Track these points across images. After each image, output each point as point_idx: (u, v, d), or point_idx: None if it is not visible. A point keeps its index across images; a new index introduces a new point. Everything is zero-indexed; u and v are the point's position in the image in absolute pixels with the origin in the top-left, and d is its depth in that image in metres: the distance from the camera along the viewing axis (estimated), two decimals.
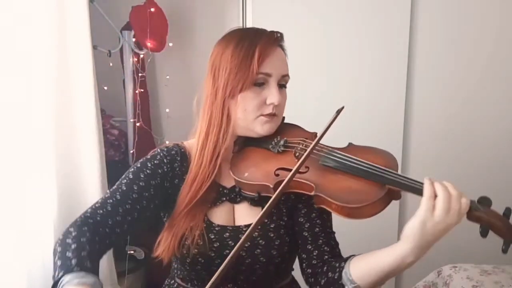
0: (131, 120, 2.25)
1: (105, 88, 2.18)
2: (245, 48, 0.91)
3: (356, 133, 1.99)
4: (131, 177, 0.95)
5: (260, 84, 0.92)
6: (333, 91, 1.95)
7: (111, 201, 0.91)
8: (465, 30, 1.97)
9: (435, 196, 0.75)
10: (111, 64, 2.25)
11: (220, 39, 0.97)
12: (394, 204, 2.04)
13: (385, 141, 2.05)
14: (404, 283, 2.12)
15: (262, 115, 0.93)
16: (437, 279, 1.60)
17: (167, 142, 1.05)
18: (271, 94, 0.92)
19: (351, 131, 2.02)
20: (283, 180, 0.84)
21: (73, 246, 0.80)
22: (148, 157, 0.99)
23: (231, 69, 0.91)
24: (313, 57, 1.95)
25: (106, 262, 1.83)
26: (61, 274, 0.75)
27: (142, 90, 2.27)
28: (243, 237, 0.76)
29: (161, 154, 0.99)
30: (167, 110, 2.45)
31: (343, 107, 0.94)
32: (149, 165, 0.97)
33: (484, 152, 2.04)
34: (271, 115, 0.94)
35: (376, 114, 1.98)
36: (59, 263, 0.78)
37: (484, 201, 0.80)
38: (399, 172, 0.85)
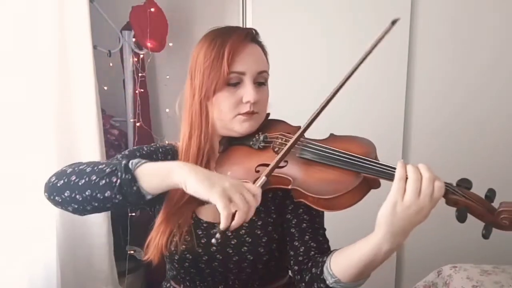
0: (131, 120, 2.26)
1: (105, 88, 2.18)
2: (216, 48, 0.91)
3: (356, 132, 1.99)
4: (127, 153, 0.97)
5: (234, 84, 0.92)
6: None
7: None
8: (465, 30, 1.97)
9: (406, 178, 0.73)
10: (111, 64, 2.25)
11: (198, 41, 0.97)
12: None
13: (385, 140, 2.05)
14: (404, 283, 2.12)
15: (239, 114, 0.93)
16: (437, 279, 1.60)
17: (166, 142, 1.06)
18: (246, 92, 0.92)
19: (350, 130, 2.02)
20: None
21: (96, 161, 0.84)
22: (144, 145, 1.02)
23: (204, 70, 0.92)
24: (313, 56, 1.95)
25: (107, 262, 1.84)
26: (123, 162, 0.78)
27: (142, 90, 2.27)
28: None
29: (157, 145, 1.03)
30: (167, 110, 2.45)
31: (399, 18, 0.89)
32: (145, 149, 1.00)
33: (484, 151, 2.04)
34: (249, 113, 0.93)
35: (376, 114, 1.99)
36: (101, 166, 0.80)
37: (463, 184, 0.77)
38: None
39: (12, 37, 1.45)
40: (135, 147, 1.00)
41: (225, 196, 0.71)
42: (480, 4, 1.95)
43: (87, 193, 0.78)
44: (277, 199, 0.98)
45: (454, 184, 0.77)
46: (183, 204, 0.93)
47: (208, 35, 0.96)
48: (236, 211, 0.72)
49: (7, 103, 1.45)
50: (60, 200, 0.82)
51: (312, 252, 0.91)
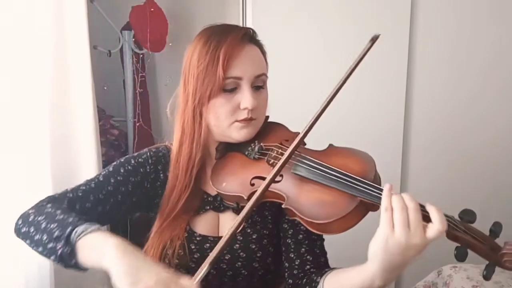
0: (131, 120, 2.26)
1: (105, 88, 2.18)
2: (211, 51, 0.85)
3: (356, 133, 1.99)
4: (111, 170, 0.93)
5: (231, 89, 0.86)
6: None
7: (84, 188, 0.89)
8: (465, 30, 1.97)
9: (392, 208, 0.67)
10: (111, 64, 2.25)
11: (193, 39, 0.93)
12: None
13: (385, 141, 2.06)
14: (404, 283, 2.12)
15: (237, 120, 0.87)
16: (437, 279, 1.60)
17: (166, 142, 1.04)
18: (244, 98, 0.86)
19: (350, 131, 2.03)
20: (256, 191, 0.79)
21: (58, 211, 0.79)
22: (135, 154, 0.98)
23: (198, 75, 0.86)
24: (313, 56, 1.95)
25: None
26: (69, 228, 0.73)
27: (142, 90, 2.27)
28: (211, 253, 0.71)
29: (148, 154, 0.98)
30: (167, 110, 2.44)
31: (379, 35, 0.84)
32: (133, 161, 0.95)
33: (484, 152, 2.04)
34: (247, 120, 0.88)
35: (376, 114, 1.98)
36: (52, 225, 0.76)
37: (466, 216, 0.70)
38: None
39: (10, 36, 1.45)
40: (122, 160, 0.96)
41: None
42: (480, 4, 1.95)
43: (40, 249, 0.77)
44: (274, 208, 0.94)
45: (456, 217, 0.71)
46: (176, 214, 0.91)
47: (203, 33, 0.90)
48: None
49: (3, 102, 1.45)
50: (27, 244, 0.81)
51: (308, 266, 0.87)
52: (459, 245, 0.70)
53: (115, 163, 0.95)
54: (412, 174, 2.03)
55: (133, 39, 2.20)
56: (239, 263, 0.90)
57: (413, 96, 2.01)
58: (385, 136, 1.96)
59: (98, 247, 0.71)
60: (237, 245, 0.91)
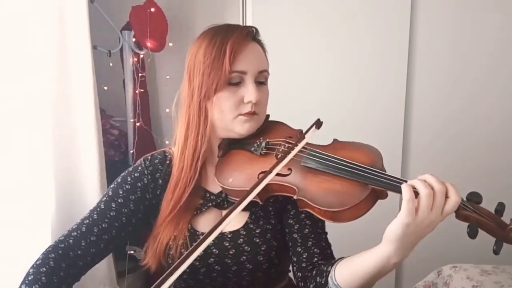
0: (131, 120, 2.25)
1: (105, 88, 2.18)
2: (216, 46, 0.88)
3: (356, 132, 1.99)
4: (110, 194, 0.95)
5: (235, 83, 0.89)
6: (333, 90, 1.95)
7: (87, 221, 0.92)
8: (465, 29, 1.97)
9: (416, 196, 0.70)
10: (111, 64, 2.25)
11: (196, 39, 0.95)
12: (394, 205, 2.05)
13: (385, 140, 2.06)
14: (404, 283, 2.12)
15: (240, 114, 0.90)
16: (437, 279, 1.60)
17: (167, 142, 1.05)
18: (248, 92, 0.89)
19: (351, 130, 2.04)
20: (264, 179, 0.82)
21: (30, 278, 0.82)
22: (130, 169, 0.99)
23: (204, 69, 0.89)
24: (313, 56, 1.95)
25: (105, 262, 1.83)
26: None
27: (142, 90, 2.27)
28: (198, 242, 0.72)
29: (143, 165, 0.99)
30: (167, 110, 2.45)
31: (322, 122, 0.92)
32: (129, 179, 0.97)
33: (484, 150, 2.04)
34: (250, 114, 0.91)
35: (376, 113, 1.98)
36: None
37: (474, 198, 0.76)
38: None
39: (11, 36, 1.45)
40: (119, 181, 0.97)
41: None
42: (480, 2, 1.95)
43: None
44: (277, 204, 0.96)
45: (464, 198, 0.75)
46: (178, 212, 0.92)
47: (207, 32, 0.93)
48: None
49: (6, 103, 1.45)
50: None
51: (316, 259, 0.89)
52: (471, 224, 0.74)
53: (113, 185, 0.97)
54: (412, 173, 2.03)
55: (133, 39, 2.20)
56: (244, 257, 0.92)
57: (413, 96, 2.01)
58: (385, 135, 1.96)
59: None
60: (241, 240, 0.92)
